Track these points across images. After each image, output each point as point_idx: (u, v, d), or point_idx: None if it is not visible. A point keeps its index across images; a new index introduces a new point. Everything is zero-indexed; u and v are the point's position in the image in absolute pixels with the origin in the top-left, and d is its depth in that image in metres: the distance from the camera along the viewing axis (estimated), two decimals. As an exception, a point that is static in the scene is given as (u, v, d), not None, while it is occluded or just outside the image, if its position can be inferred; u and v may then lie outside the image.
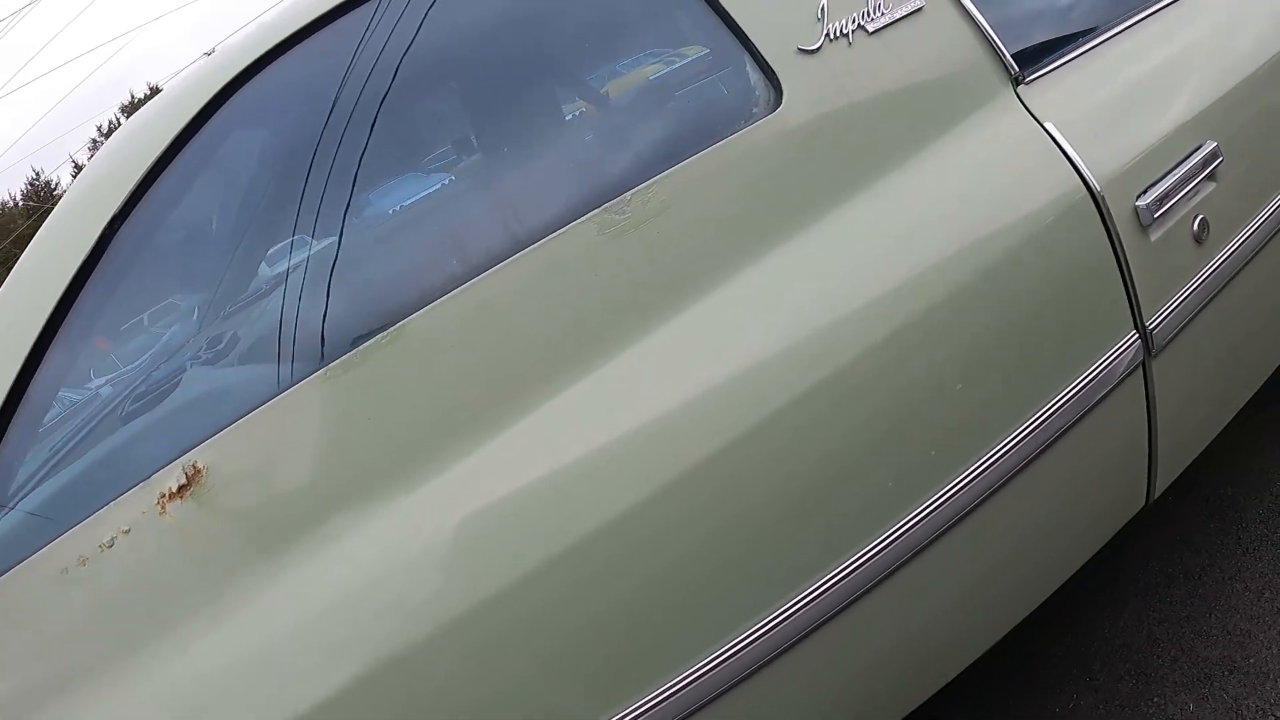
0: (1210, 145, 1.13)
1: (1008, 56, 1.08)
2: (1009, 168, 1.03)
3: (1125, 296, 1.05)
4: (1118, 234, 1.04)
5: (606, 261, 0.91)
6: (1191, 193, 1.11)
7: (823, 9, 1.02)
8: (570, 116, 1.16)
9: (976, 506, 0.96)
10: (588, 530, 0.81)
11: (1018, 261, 0.99)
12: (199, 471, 0.84)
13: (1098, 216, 1.03)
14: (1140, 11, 1.19)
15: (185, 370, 1.02)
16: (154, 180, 0.94)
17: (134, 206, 0.92)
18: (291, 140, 1.04)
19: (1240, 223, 1.17)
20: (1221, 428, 1.23)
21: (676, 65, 1.05)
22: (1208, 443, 1.22)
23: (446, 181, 1.08)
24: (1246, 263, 1.16)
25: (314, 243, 0.98)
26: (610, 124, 1.07)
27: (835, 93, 0.99)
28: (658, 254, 0.92)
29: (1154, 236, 1.07)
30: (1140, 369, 1.08)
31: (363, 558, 0.81)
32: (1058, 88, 1.10)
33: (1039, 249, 1.00)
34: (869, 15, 1.04)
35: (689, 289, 0.91)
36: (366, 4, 0.98)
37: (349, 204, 0.96)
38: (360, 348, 0.86)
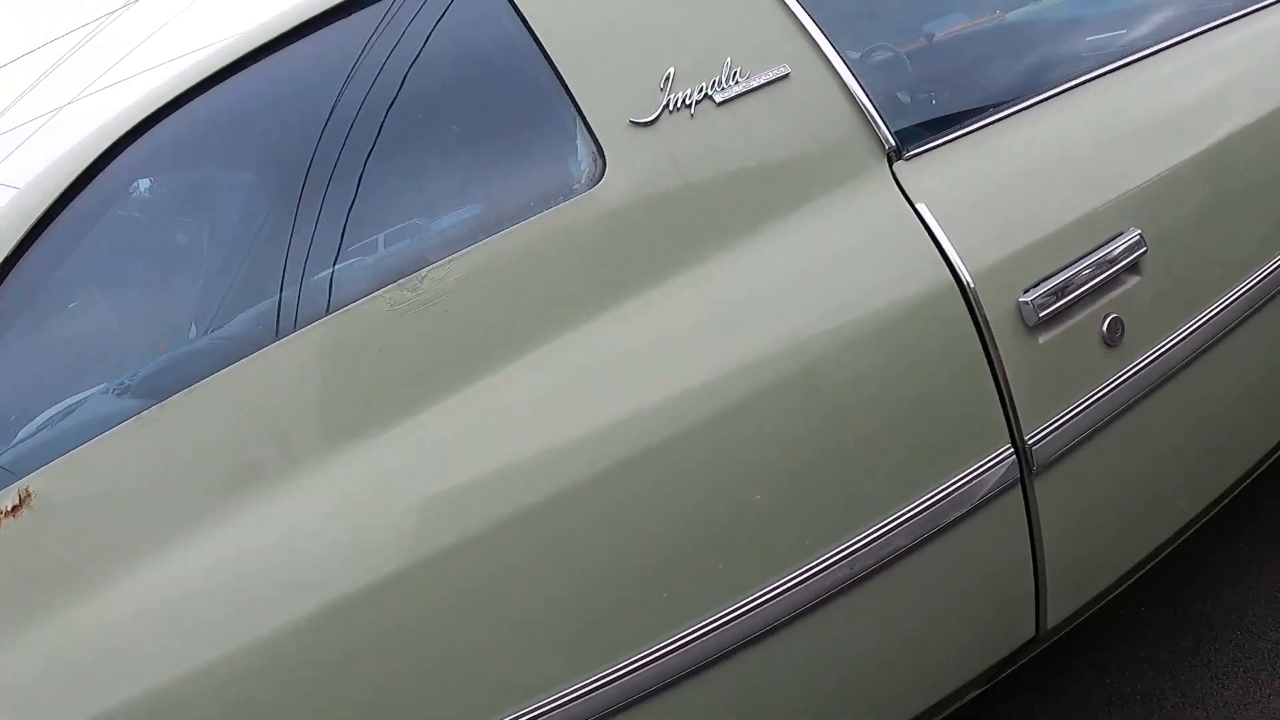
0: (1133, 235, 0.98)
1: (885, 130, 0.97)
2: (863, 253, 0.92)
3: (1000, 406, 0.92)
4: (990, 334, 0.91)
5: (389, 340, 0.87)
6: (1102, 288, 0.96)
7: (668, 77, 0.95)
8: (388, 181, 1.14)
9: (790, 621, 0.86)
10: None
11: (859, 359, 0.88)
12: (30, 496, 0.86)
13: (966, 313, 0.91)
14: (1057, 86, 1.05)
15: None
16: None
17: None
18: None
19: (1169, 325, 1.00)
20: (1143, 556, 1.06)
21: (509, 131, 1.01)
22: (1124, 571, 1.04)
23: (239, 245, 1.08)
24: (1175, 373, 1.00)
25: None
26: (428, 192, 1.04)
27: (665, 169, 0.92)
28: (438, 336, 0.87)
29: (1044, 338, 0.93)
30: (1019, 487, 0.93)
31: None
32: (943, 166, 0.98)
33: (888, 346, 0.89)
34: (720, 84, 0.96)
35: (462, 375, 0.86)
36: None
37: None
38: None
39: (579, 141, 0.97)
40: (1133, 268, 0.98)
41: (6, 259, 0.94)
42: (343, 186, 0.94)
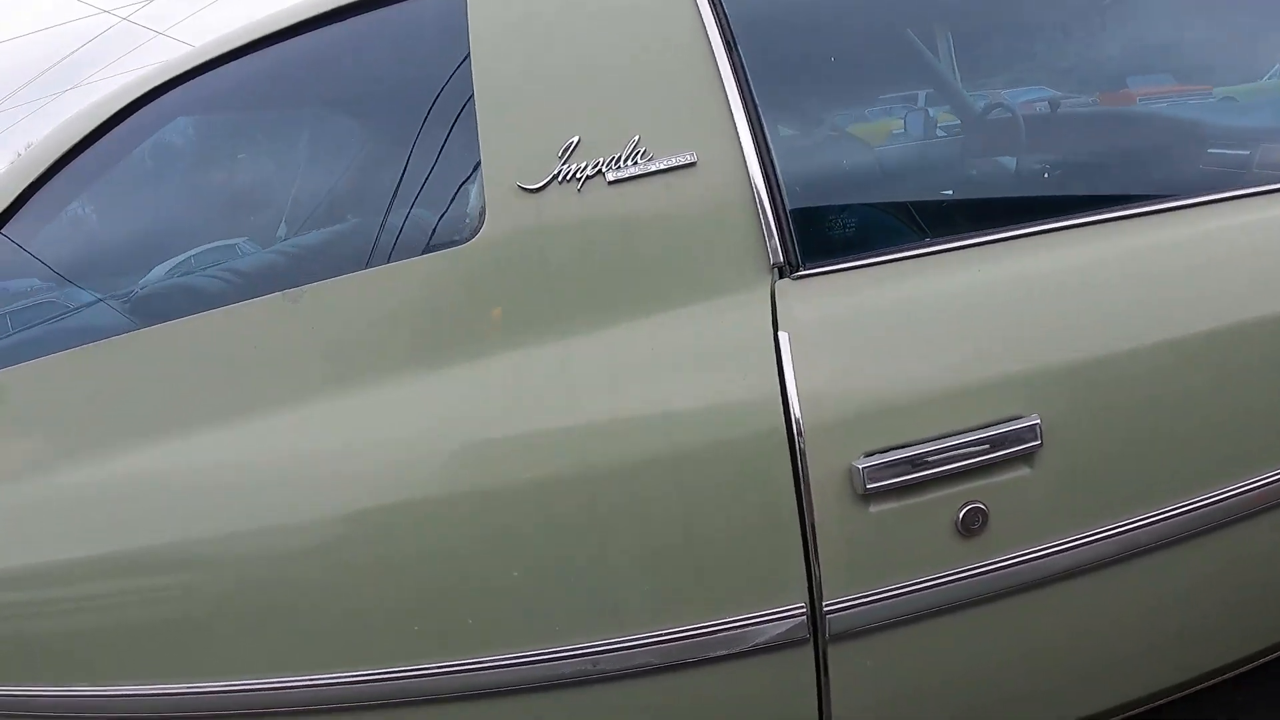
0: (1029, 421, 0.85)
1: (779, 241, 0.90)
2: (699, 370, 0.88)
3: (802, 563, 0.86)
4: (807, 490, 0.84)
5: (267, 339, 0.97)
6: (969, 473, 0.85)
7: (569, 146, 0.93)
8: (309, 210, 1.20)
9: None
10: None
11: (656, 474, 0.85)
12: None
13: (787, 463, 0.84)
14: (996, 231, 0.90)
15: None
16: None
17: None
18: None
19: (1047, 531, 0.87)
20: None
21: (427, 155, 1.04)
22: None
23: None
24: (1040, 584, 0.87)
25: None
26: (337, 219, 1.08)
27: (531, 242, 0.92)
28: (298, 349, 0.95)
29: (875, 508, 0.85)
30: (811, 648, 0.88)
31: None
32: (829, 295, 0.90)
33: (690, 470, 0.85)
34: (618, 162, 0.93)
35: (296, 394, 0.94)
36: None
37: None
38: None
39: (474, 191, 0.99)
40: (1020, 458, 0.86)
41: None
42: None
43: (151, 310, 1.12)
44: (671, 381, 0.88)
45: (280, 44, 1.03)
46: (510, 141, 0.95)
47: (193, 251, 1.22)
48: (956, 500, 0.86)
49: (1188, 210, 0.94)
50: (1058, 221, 0.92)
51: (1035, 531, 0.88)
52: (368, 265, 0.98)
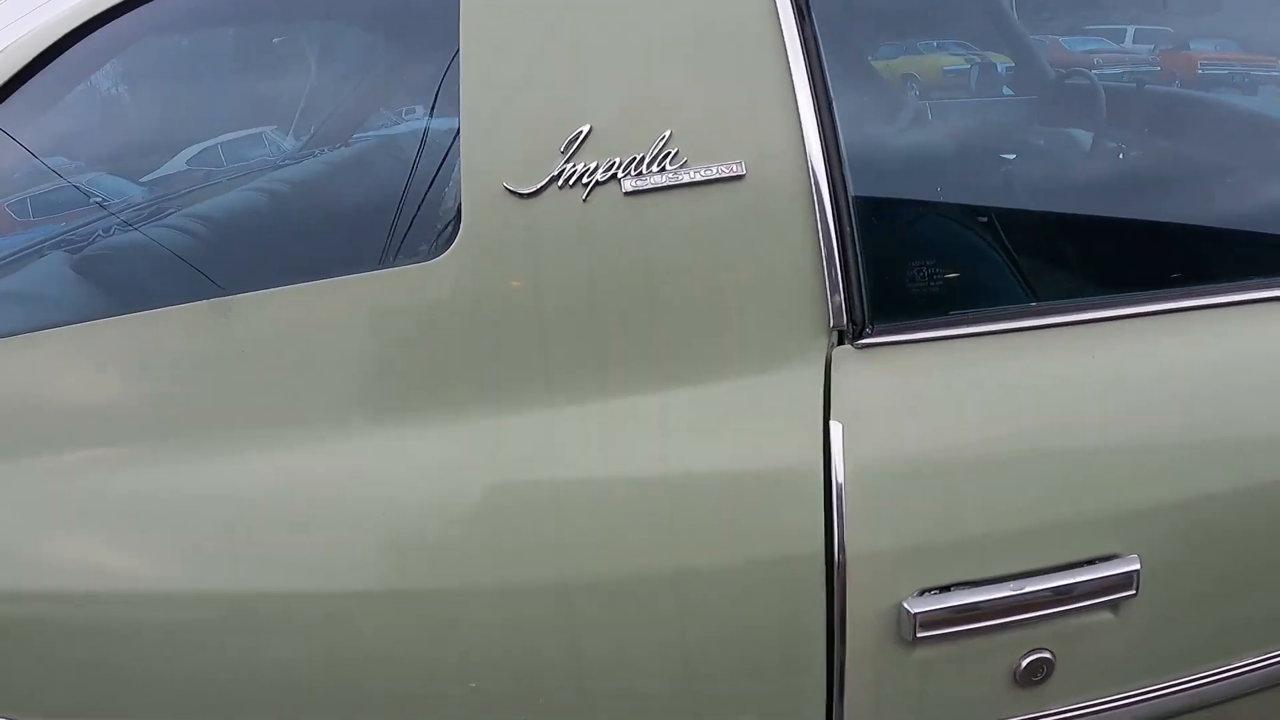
0: (1128, 565, 0.68)
1: (846, 293, 0.68)
2: (716, 466, 0.67)
3: (823, 709, 0.70)
4: (842, 628, 0.67)
5: (186, 365, 0.74)
6: (1042, 620, 0.68)
7: (578, 137, 0.69)
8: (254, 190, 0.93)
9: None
10: None
11: (643, 604, 0.67)
12: None
13: (820, 591, 0.67)
14: (1114, 307, 0.69)
15: None
16: None
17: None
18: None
19: (1115, 684, 0.71)
20: None
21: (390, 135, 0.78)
22: None
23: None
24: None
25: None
26: (280, 213, 0.83)
27: (516, 263, 0.69)
28: (225, 380, 0.73)
29: (921, 653, 0.68)
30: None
31: None
32: (904, 370, 0.69)
33: (686, 604, 0.67)
34: (641, 165, 0.69)
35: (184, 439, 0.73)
36: None
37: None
38: None
39: (448, 189, 0.74)
40: (1107, 604, 0.69)
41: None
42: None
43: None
44: (683, 477, 0.68)
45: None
46: (499, 121, 0.70)
47: (219, 139, 1.05)
48: (1021, 647, 0.70)
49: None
50: (1212, 296, 0.71)
51: (1103, 683, 0.73)
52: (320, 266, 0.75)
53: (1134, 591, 0.68)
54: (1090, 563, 0.69)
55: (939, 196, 0.79)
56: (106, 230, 0.94)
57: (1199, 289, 0.74)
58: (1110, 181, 0.80)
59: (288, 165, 0.91)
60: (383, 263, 0.73)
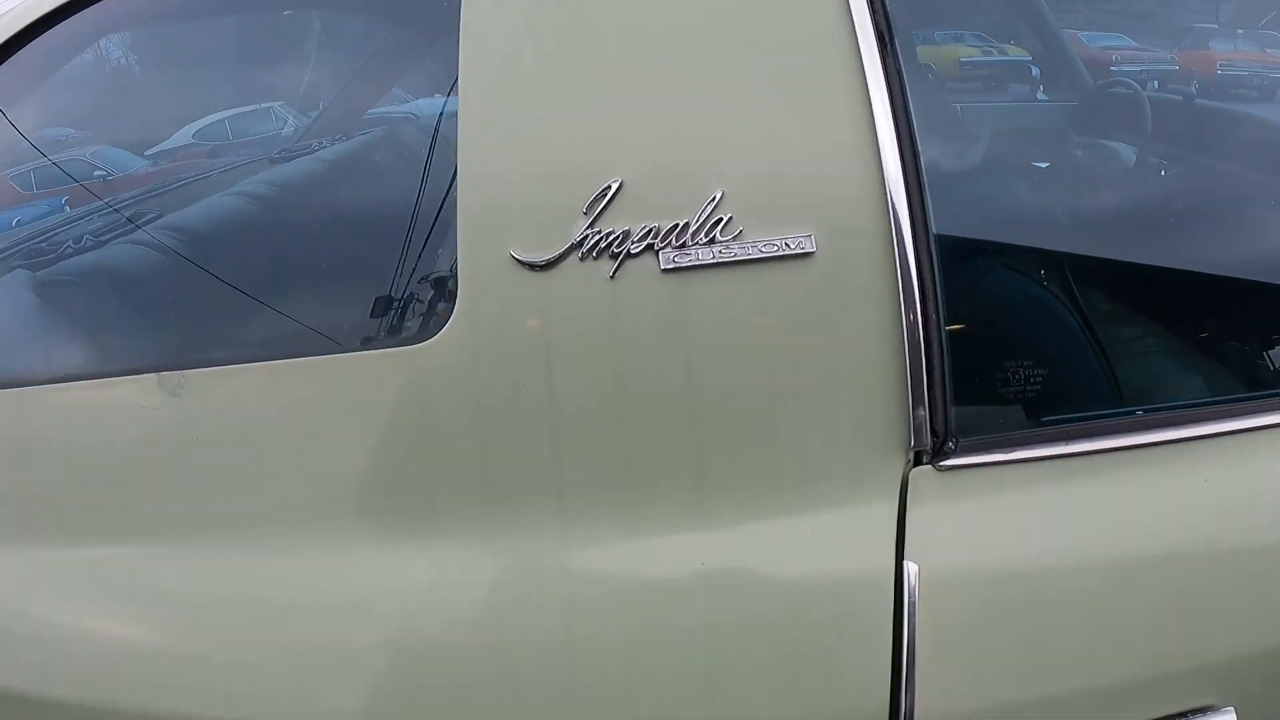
0: (1224, 719, 0.57)
1: (929, 404, 0.55)
2: (762, 620, 0.55)
3: None
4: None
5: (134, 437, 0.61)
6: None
7: (606, 194, 0.55)
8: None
9: None
10: None
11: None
12: None
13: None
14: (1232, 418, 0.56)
15: None
16: None
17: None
18: None
19: None
20: None
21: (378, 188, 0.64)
22: None
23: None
24: None
25: None
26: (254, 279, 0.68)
27: (526, 356, 0.55)
28: (179, 468, 0.60)
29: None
30: None
31: None
32: (998, 499, 0.57)
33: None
34: (685, 235, 0.54)
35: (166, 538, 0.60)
36: None
37: None
38: None
39: (441, 255, 0.60)
40: (1217, 779, 0.59)
41: None
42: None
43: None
44: (727, 633, 0.55)
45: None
46: (504, 168, 0.56)
47: (225, 114, 1.00)
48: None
49: None
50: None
51: None
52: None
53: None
54: (1183, 715, 0.58)
55: (1043, 280, 0.65)
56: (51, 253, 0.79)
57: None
58: (1263, 262, 0.66)
59: (260, 202, 0.76)
60: (366, 341, 0.59)
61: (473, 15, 0.58)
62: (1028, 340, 0.63)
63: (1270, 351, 0.63)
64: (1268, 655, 0.60)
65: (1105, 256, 0.67)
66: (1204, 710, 0.58)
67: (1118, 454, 0.59)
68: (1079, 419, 0.59)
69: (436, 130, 0.63)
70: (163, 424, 0.59)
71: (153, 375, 0.60)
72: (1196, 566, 0.59)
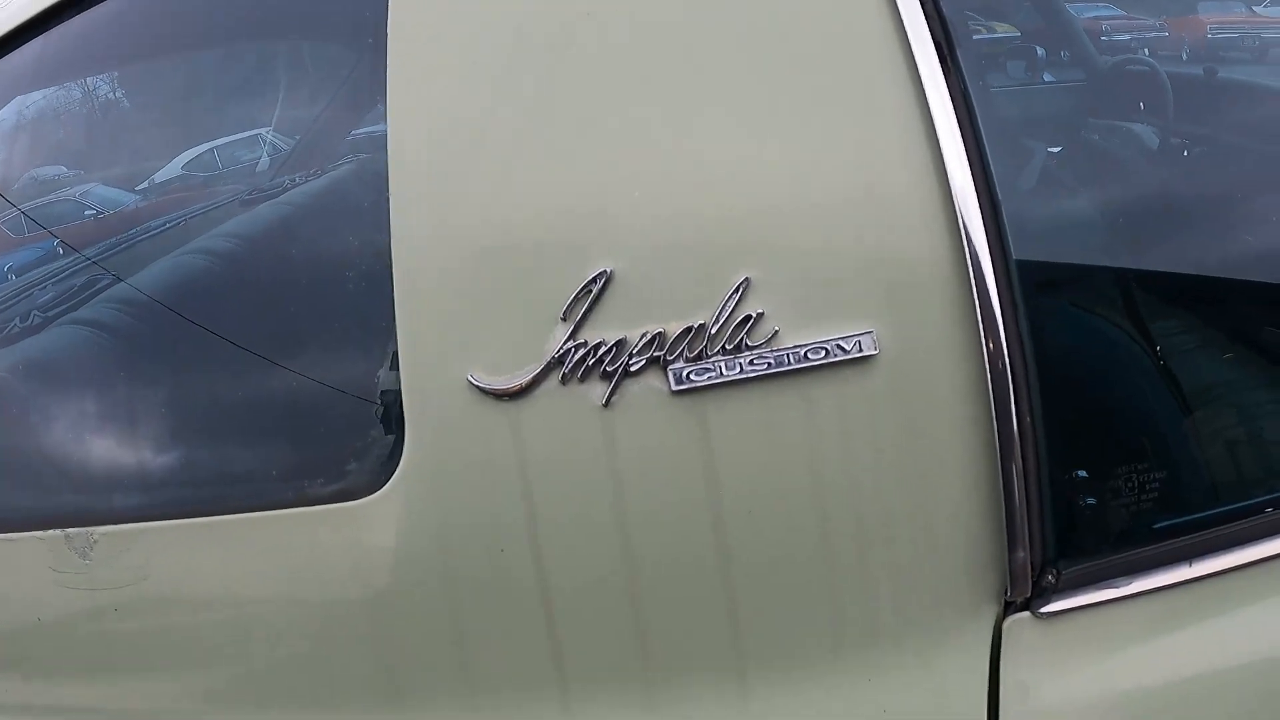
0: None
1: (1028, 542, 0.42)
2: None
3: None
4: None
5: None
6: None
7: (587, 293, 0.40)
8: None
9: None
10: None
11: None
12: None
13: None
14: None
15: None
16: None
17: None
18: None
19: None
20: None
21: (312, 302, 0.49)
22: None
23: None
24: None
25: None
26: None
27: (500, 504, 0.42)
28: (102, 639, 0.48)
29: None
30: None
31: None
32: (1101, 644, 0.44)
33: None
34: (702, 341, 0.41)
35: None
36: None
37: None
38: None
39: (381, 385, 0.45)
40: None
41: None
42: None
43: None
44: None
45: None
46: (451, 255, 0.41)
47: (216, 143, 0.91)
48: None
49: None
50: None
51: None
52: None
53: None
54: None
55: (1160, 363, 0.50)
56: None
57: None
58: None
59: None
60: (300, 495, 0.45)
61: (400, 25, 0.43)
62: (1143, 441, 0.50)
63: None
64: None
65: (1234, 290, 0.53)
66: None
67: (1251, 570, 0.47)
68: (1208, 526, 0.47)
69: (364, 197, 0.48)
70: (72, 590, 0.47)
71: (58, 532, 0.48)
72: None
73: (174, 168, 0.91)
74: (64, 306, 0.67)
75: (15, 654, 0.51)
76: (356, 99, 0.64)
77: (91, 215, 0.90)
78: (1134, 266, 0.51)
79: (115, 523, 0.46)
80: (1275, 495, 0.49)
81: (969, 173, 0.42)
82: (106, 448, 0.52)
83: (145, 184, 0.84)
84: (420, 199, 0.42)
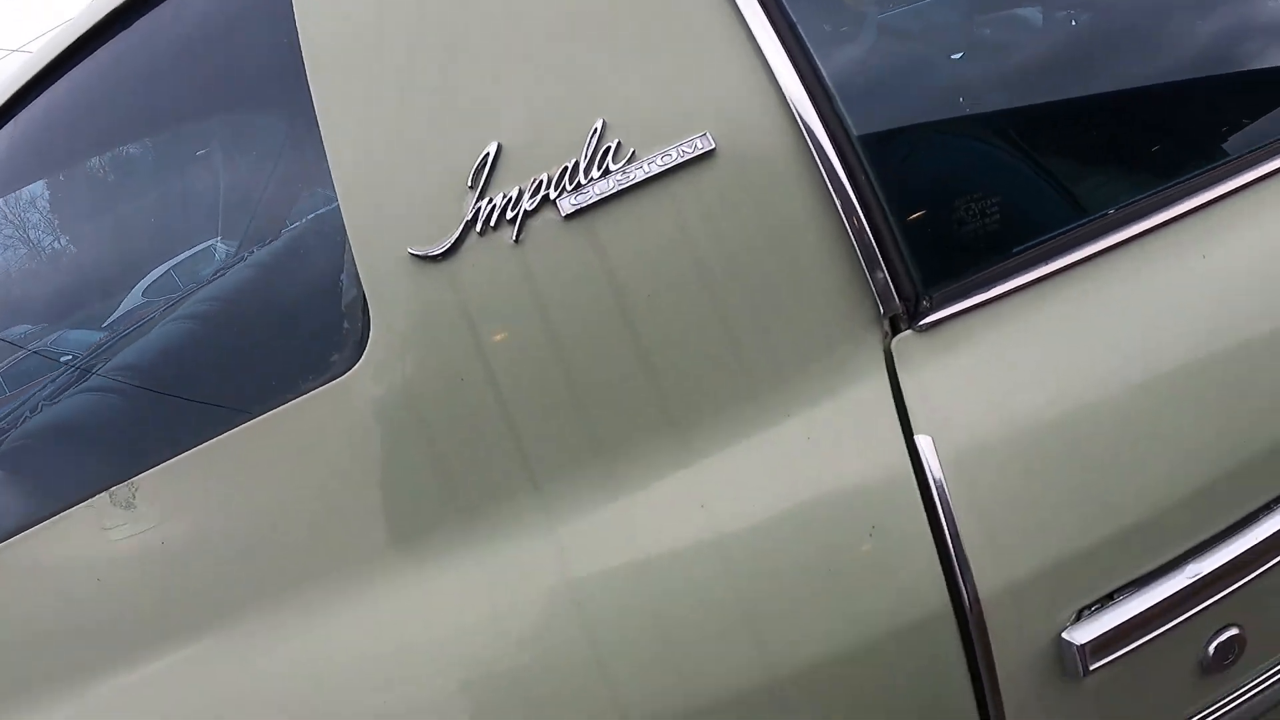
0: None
1: (887, 265, 0.51)
2: (779, 533, 0.51)
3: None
4: (993, 683, 0.53)
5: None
6: (1227, 594, 0.54)
7: (484, 164, 0.51)
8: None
9: None
10: None
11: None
12: None
13: (958, 649, 0.52)
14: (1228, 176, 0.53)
15: None
16: None
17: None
18: None
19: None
20: None
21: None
22: None
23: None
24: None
25: None
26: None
27: (453, 345, 0.51)
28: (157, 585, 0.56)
29: (1093, 682, 0.54)
30: None
31: None
32: (989, 341, 0.53)
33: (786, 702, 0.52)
34: (577, 174, 0.51)
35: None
36: None
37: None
38: None
39: (344, 276, 0.55)
40: (1297, 555, 0.55)
41: None
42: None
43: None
44: (747, 565, 0.51)
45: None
46: (377, 164, 0.52)
47: (170, 264, 0.93)
48: (1205, 632, 0.56)
49: None
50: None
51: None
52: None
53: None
54: (1266, 508, 0.55)
55: (963, 108, 0.61)
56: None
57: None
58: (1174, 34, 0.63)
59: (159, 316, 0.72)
60: (296, 392, 0.55)
61: (310, 35, 0.54)
62: (971, 171, 0.60)
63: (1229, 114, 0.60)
64: None
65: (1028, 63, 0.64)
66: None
67: (1108, 256, 0.55)
68: (1054, 236, 0.56)
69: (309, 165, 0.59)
70: (130, 536, 0.55)
71: (101, 495, 0.56)
72: (1227, 351, 0.56)
73: (135, 296, 0.94)
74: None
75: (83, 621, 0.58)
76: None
77: (68, 359, 0.94)
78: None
79: (149, 468, 0.55)
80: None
81: (761, 10, 0.53)
82: (128, 409, 0.61)
83: (112, 318, 0.92)
84: (347, 139, 0.53)
